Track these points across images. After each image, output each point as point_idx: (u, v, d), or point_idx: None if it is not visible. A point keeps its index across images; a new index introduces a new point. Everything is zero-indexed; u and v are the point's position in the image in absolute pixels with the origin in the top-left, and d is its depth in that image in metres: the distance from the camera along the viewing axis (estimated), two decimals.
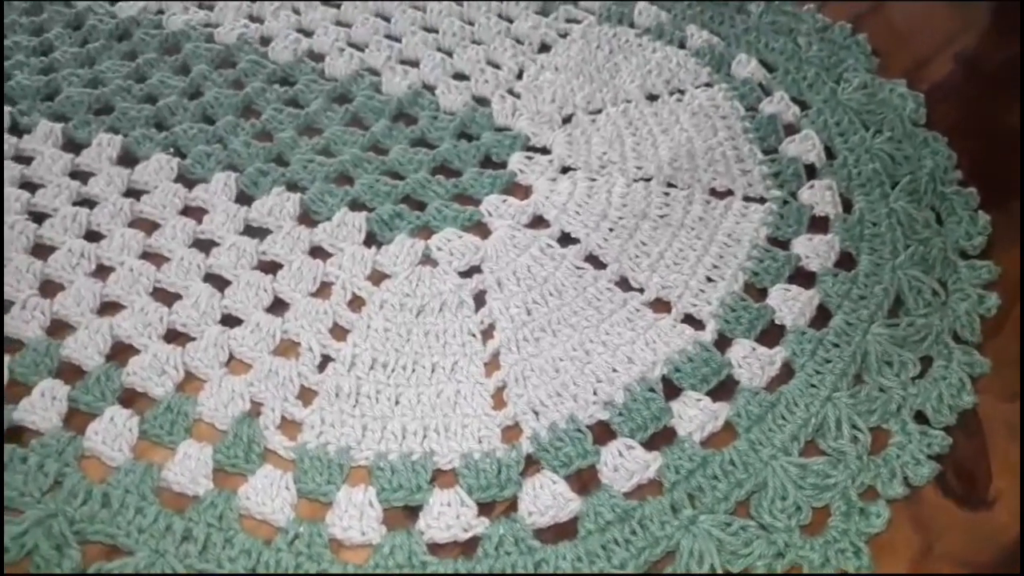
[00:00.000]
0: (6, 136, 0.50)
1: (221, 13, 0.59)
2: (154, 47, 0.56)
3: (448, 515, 0.34)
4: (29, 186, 0.48)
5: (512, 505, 0.35)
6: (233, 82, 0.54)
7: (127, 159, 0.49)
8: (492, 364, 0.40)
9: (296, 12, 0.59)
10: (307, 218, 0.46)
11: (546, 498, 0.35)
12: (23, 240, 0.44)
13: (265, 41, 0.57)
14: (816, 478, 0.35)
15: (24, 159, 0.49)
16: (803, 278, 0.44)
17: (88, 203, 0.47)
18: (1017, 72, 0.57)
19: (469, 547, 0.34)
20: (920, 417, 0.38)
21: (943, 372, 0.39)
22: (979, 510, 0.37)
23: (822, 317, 0.42)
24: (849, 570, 0.33)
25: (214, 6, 0.59)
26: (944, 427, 0.38)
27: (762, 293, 0.43)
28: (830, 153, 0.50)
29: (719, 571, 0.33)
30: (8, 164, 0.48)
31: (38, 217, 0.46)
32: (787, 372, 0.40)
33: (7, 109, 0.51)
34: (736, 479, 0.36)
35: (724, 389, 0.39)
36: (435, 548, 0.34)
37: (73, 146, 0.50)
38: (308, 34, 0.57)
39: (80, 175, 0.48)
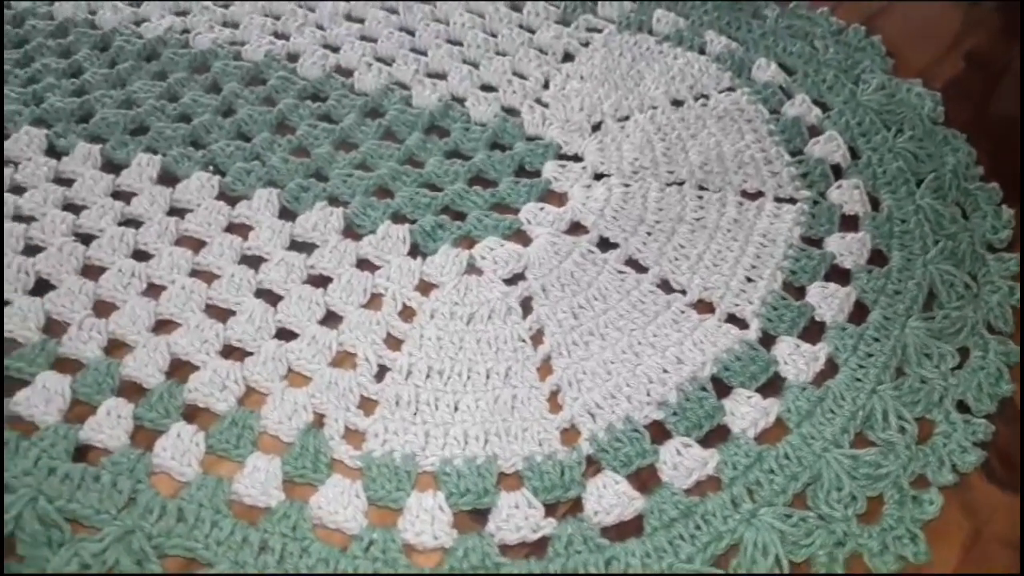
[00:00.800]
0: (45, 159, 0.50)
1: (246, 31, 0.60)
2: (183, 66, 0.57)
3: (517, 517, 0.35)
4: (72, 207, 0.48)
5: (576, 505, 0.37)
6: (265, 99, 0.55)
7: (167, 178, 0.50)
8: (544, 368, 0.41)
9: (320, 27, 0.60)
10: (351, 231, 0.47)
11: (610, 497, 0.36)
12: (73, 261, 0.45)
13: (292, 57, 0.58)
14: (869, 468, 0.37)
15: (65, 181, 0.50)
16: (838, 275, 0.45)
17: (133, 223, 0.48)
18: None
19: (538, 547, 0.35)
20: (962, 406, 0.40)
21: (981, 362, 0.41)
22: (1022, 494, 0.38)
23: (860, 312, 0.44)
24: (907, 556, 0.35)
25: (239, 23, 0.60)
26: (985, 415, 0.39)
27: (800, 291, 0.44)
28: (854, 153, 0.51)
29: (783, 561, 0.34)
30: (50, 186, 0.49)
31: (84, 238, 0.47)
32: (831, 367, 0.41)
33: (43, 132, 0.52)
34: (792, 472, 0.37)
35: (772, 386, 0.40)
36: (505, 549, 0.35)
37: (112, 167, 0.51)
38: (335, 50, 0.58)
39: (122, 195, 0.49)
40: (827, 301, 0.43)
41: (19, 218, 0.47)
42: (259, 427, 0.39)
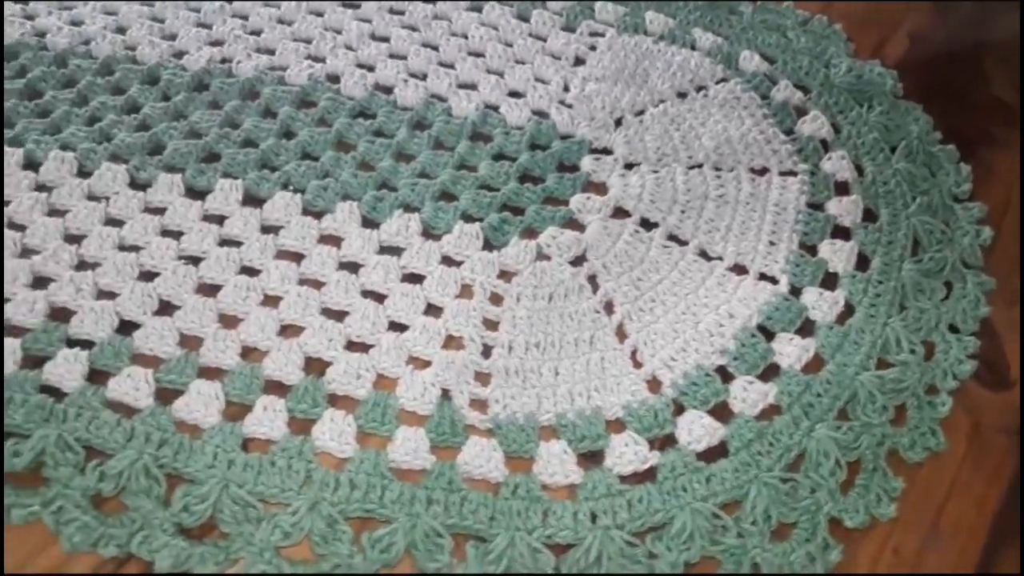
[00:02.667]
0: (132, 192, 0.55)
1: (283, 56, 0.65)
2: (233, 94, 0.62)
3: (628, 453, 0.44)
4: (169, 233, 0.53)
5: (670, 439, 0.45)
6: (319, 120, 0.60)
7: (251, 200, 0.55)
8: (619, 334, 0.49)
9: (350, 48, 0.66)
10: (429, 233, 0.54)
11: (698, 429, 0.45)
12: (189, 282, 0.50)
13: (332, 78, 0.64)
14: (893, 384, 0.46)
15: (157, 210, 0.55)
16: (841, 233, 0.55)
17: (230, 243, 0.53)
18: (960, 42, 0.70)
19: (648, 475, 0.44)
20: (952, 328, 0.50)
21: (962, 292, 0.51)
22: (1005, 391, 0.48)
23: (862, 262, 0.53)
24: (931, 447, 0.45)
25: (274, 50, 0.65)
26: (971, 333, 0.50)
27: (812, 249, 0.54)
28: (835, 128, 0.61)
29: (842, 462, 0.43)
30: (145, 216, 0.54)
31: (193, 260, 0.52)
32: (848, 308, 0.51)
33: (123, 167, 0.57)
34: (835, 393, 0.46)
35: (805, 328, 0.50)
36: (623, 479, 0.43)
37: (194, 193, 0.56)
38: (370, 68, 0.64)
39: (211, 218, 0.54)
40: (836, 255, 0.53)
41: (125, 247, 0.52)
42: (397, 405, 0.46)
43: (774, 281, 0.52)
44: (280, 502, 0.42)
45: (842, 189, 0.57)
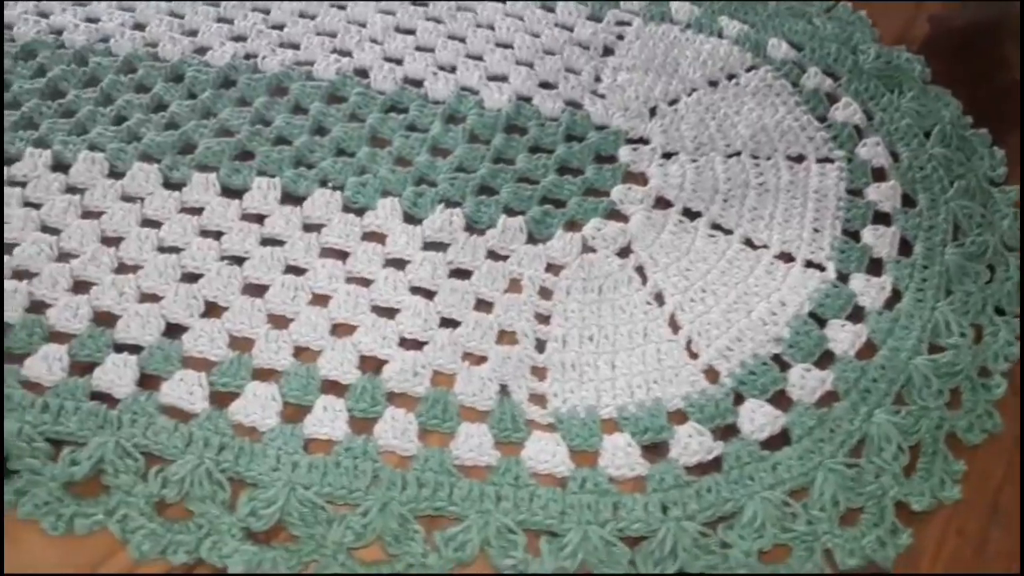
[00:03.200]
0: (169, 192, 0.54)
1: (309, 51, 0.64)
2: (261, 90, 0.61)
3: (692, 444, 0.44)
4: (207, 233, 0.53)
5: (732, 429, 0.45)
6: (351, 115, 0.60)
7: (289, 198, 0.55)
8: (672, 324, 0.49)
9: (375, 41, 0.65)
10: (472, 228, 0.54)
11: (760, 418, 0.45)
12: (234, 283, 0.50)
13: (360, 73, 0.63)
14: (947, 368, 0.47)
15: (193, 210, 0.54)
16: (881, 219, 0.55)
17: (272, 242, 0.52)
18: (979, 27, 0.70)
19: (713, 466, 0.44)
20: (998, 311, 0.50)
21: (1005, 274, 0.52)
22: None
23: (905, 247, 0.54)
24: (989, 428, 0.45)
25: (299, 44, 0.64)
26: (1016, 315, 0.50)
27: (855, 235, 0.54)
28: (868, 115, 0.61)
29: (904, 447, 0.43)
30: (183, 217, 0.53)
31: (236, 260, 0.51)
32: (895, 294, 0.51)
33: (155, 167, 0.56)
34: (890, 378, 0.46)
35: (855, 314, 0.50)
36: (689, 470, 0.43)
37: (230, 192, 0.55)
38: (398, 62, 0.64)
39: (251, 217, 0.54)
40: (880, 241, 0.53)
41: (164, 249, 0.51)
42: (456, 402, 0.45)
43: (821, 268, 0.52)
44: (348, 503, 0.42)
45: (879, 175, 0.58)
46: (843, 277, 0.52)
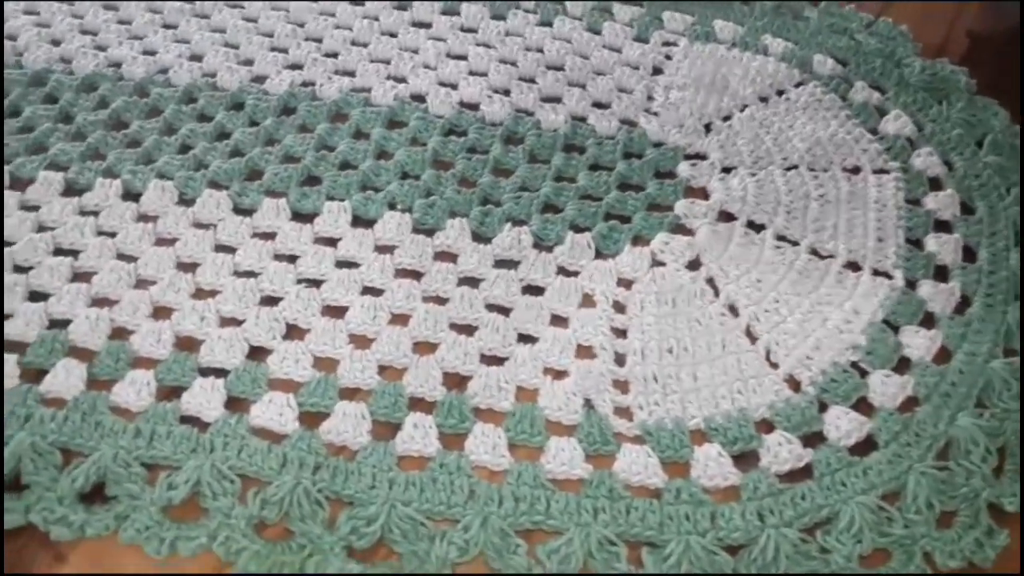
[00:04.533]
0: (240, 218, 0.55)
1: (365, 78, 0.65)
2: (322, 118, 0.62)
3: (782, 452, 0.44)
4: (284, 258, 0.53)
5: (817, 437, 0.45)
6: (412, 139, 0.60)
7: (360, 221, 0.55)
8: (749, 335, 0.50)
9: (429, 67, 0.66)
10: (540, 245, 0.54)
11: (846, 425, 0.45)
12: (314, 305, 0.50)
13: (417, 98, 0.64)
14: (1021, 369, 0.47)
15: (266, 235, 0.54)
16: (941, 227, 0.56)
17: (347, 264, 0.53)
18: (1015, 39, 0.72)
19: (803, 473, 0.44)
20: None
21: None
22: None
23: (967, 254, 0.54)
24: None
25: (354, 72, 0.65)
26: None
27: (918, 244, 0.55)
28: (917, 126, 0.62)
29: (992, 448, 0.44)
30: (255, 242, 0.54)
31: (313, 283, 0.52)
32: (964, 300, 0.52)
33: (224, 193, 0.56)
34: (969, 382, 0.47)
35: (927, 321, 0.51)
36: (781, 478, 0.44)
37: (301, 217, 0.56)
38: (453, 86, 0.65)
39: (324, 240, 0.54)
40: (944, 248, 0.54)
41: (240, 273, 0.52)
42: (542, 416, 0.46)
43: (888, 276, 0.53)
44: (447, 518, 0.42)
45: (934, 185, 0.59)
46: (911, 284, 0.52)
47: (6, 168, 0.57)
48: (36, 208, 0.55)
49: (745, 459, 0.45)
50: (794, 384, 0.48)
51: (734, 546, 0.41)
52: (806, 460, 0.44)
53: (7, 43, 0.66)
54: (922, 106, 0.63)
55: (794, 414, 0.46)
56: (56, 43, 0.67)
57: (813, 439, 0.45)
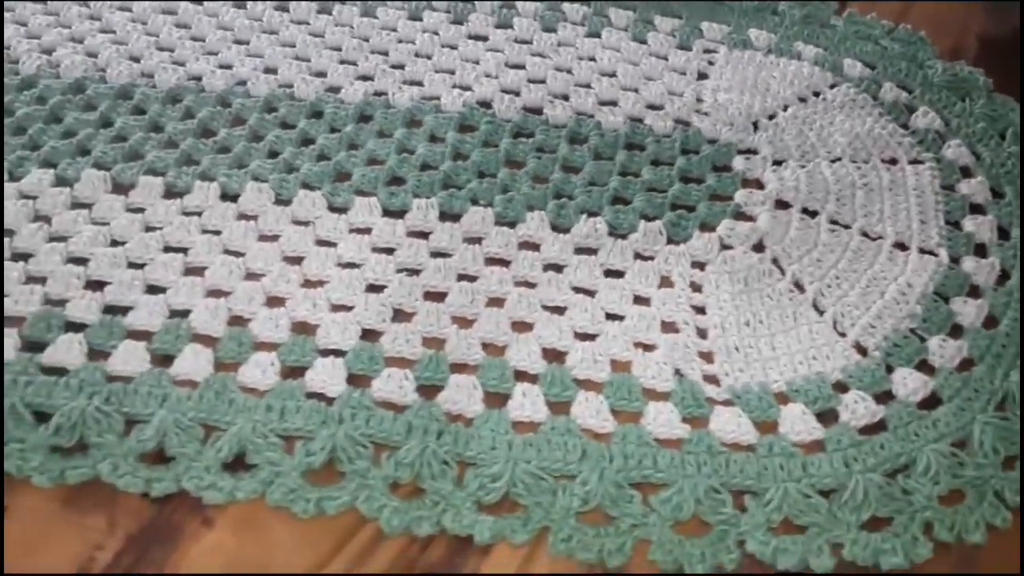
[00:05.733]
0: (337, 216, 0.59)
1: (433, 87, 0.69)
2: (398, 124, 0.66)
3: (858, 409, 0.49)
4: (381, 250, 0.57)
5: (887, 395, 0.50)
6: (484, 142, 0.65)
7: (447, 215, 0.60)
8: (816, 308, 0.55)
9: (491, 76, 0.71)
10: (615, 233, 0.59)
11: (912, 384, 0.50)
12: (416, 291, 0.54)
13: (483, 104, 0.68)
14: None
15: (362, 230, 0.58)
16: (976, 209, 0.61)
17: (440, 254, 0.57)
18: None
19: (878, 427, 0.49)
20: None
21: None
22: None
23: (1002, 233, 0.60)
24: None
25: (422, 81, 0.70)
26: None
27: (956, 225, 0.60)
28: (944, 122, 0.68)
29: None
30: (352, 236, 0.58)
31: (413, 271, 0.56)
32: (1003, 274, 0.57)
33: (317, 193, 0.60)
34: (1016, 343, 0.52)
35: (972, 292, 0.56)
36: (861, 432, 0.48)
37: (392, 213, 0.60)
38: (516, 93, 0.69)
39: (416, 234, 0.58)
40: (980, 228, 0.59)
41: (344, 264, 0.56)
42: (638, 384, 0.50)
43: (934, 254, 0.58)
44: (564, 474, 0.46)
45: (965, 173, 0.64)
46: (955, 260, 0.58)
47: (107, 174, 0.61)
48: (141, 210, 0.59)
49: (825, 417, 0.49)
50: (861, 350, 0.52)
51: (825, 491, 0.46)
52: (880, 415, 0.49)
53: (89, 59, 0.71)
54: (946, 104, 0.69)
55: (865, 375, 0.51)
56: (136, 59, 0.71)
57: (883, 397, 0.50)
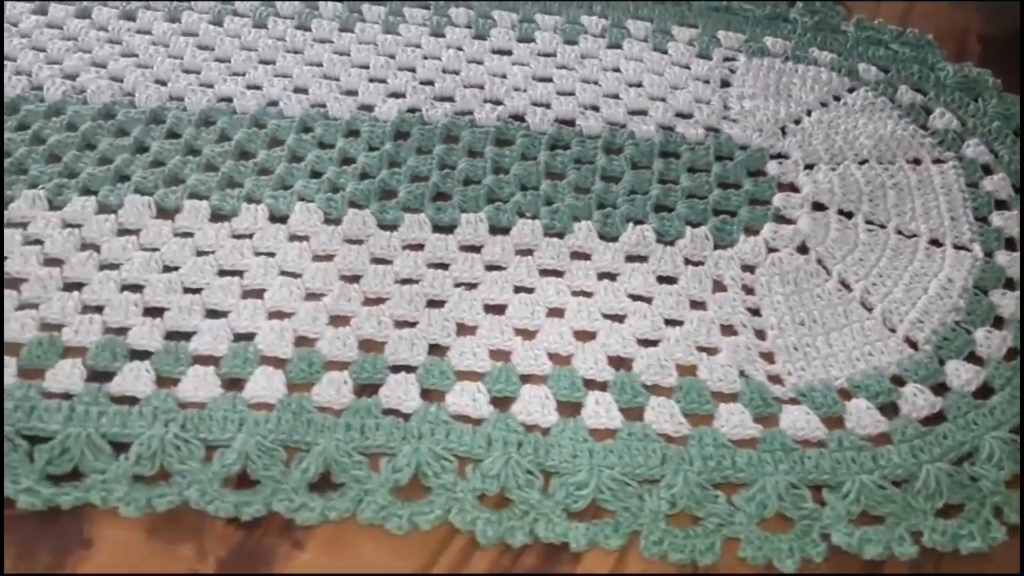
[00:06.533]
0: (389, 234, 0.59)
1: (465, 102, 0.70)
2: (436, 140, 0.66)
3: (918, 401, 0.51)
4: (436, 266, 0.58)
5: (942, 387, 0.52)
6: (521, 155, 0.66)
7: (496, 229, 0.60)
8: (865, 305, 0.57)
9: (520, 89, 0.72)
10: (663, 239, 0.60)
11: (965, 374, 0.52)
12: (476, 305, 0.55)
13: (516, 117, 0.69)
14: None
15: (415, 246, 0.59)
16: (1000, 205, 0.64)
17: (493, 267, 0.58)
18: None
19: (937, 418, 0.51)
20: None
21: None
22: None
23: None
24: None
25: (454, 96, 0.71)
26: None
27: (985, 220, 0.63)
28: (961, 122, 0.71)
29: None
30: (405, 253, 0.58)
31: (469, 285, 0.56)
32: None
33: (366, 212, 0.61)
34: None
35: (1008, 285, 0.58)
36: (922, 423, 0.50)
37: (442, 228, 0.60)
38: (547, 105, 0.70)
39: (468, 248, 0.59)
40: (1008, 222, 0.62)
41: (402, 281, 0.56)
42: (706, 387, 0.51)
43: (967, 249, 0.60)
44: (647, 479, 0.47)
45: (985, 170, 0.67)
46: (988, 255, 0.60)
47: (150, 199, 0.61)
48: (190, 235, 0.59)
49: (885, 410, 0.51)
50: (912, 344, 0.55)
51: (897, 481, 0.48)
52: (938, 406, 0.51)
53: (115, 84, 0.70)
54: (960, 104, 0.72)
55: (919, 368, 0.53)
56: (162, 83, 0.71)
57: (938, 389, 0.52)
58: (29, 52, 0.72)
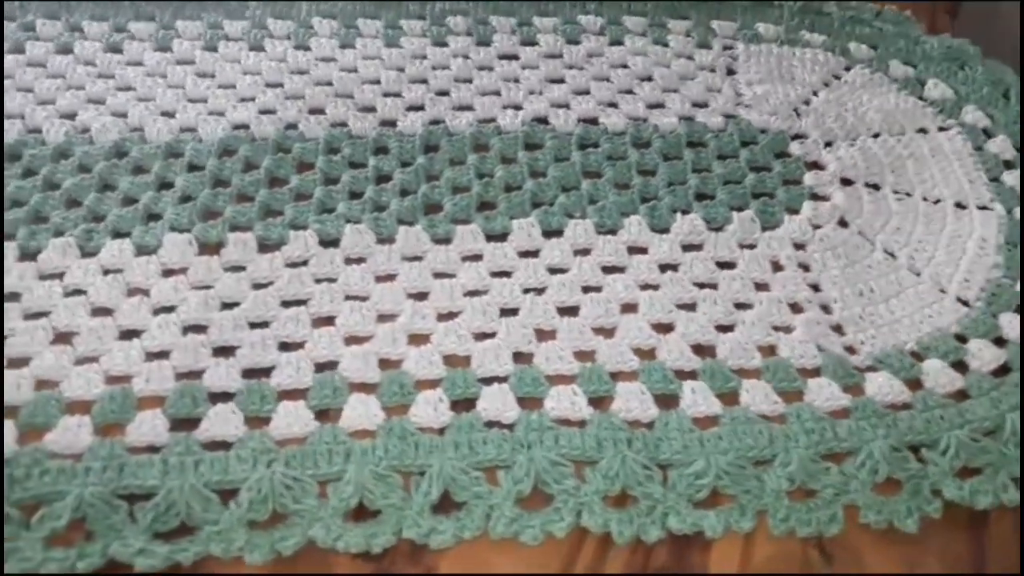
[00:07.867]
0: (445, 248, 0.59)
1: (486, 109, 0.70)
2: (466, 149, 0.66)
3: (984, 354, 0.54)
4: (499, 274, 0.58)
5: (999, 340, 0.55)
6: (555, 157, 0.66)
7: (549, 232, 0.60)
8: (911, 271, 0.59)
9: (534, 92, 0.72)
10: (712, 227, 0.61)
11: (990, 352, 0.54)
12: (551, 310, 0.55)
13: (539, 120, 0.69)
14: None
15: (472, 257, 0.58)
16: (1007, 165, 0.68)
17: (534, 291, 0.57)
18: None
19: (961, 393, 0.53)
20: None
21: None
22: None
23: None
24: None
25: (473, 105, 0.70)
26: None
27: (996, 180, 0.67)
28: (953, 90, 0.75)
29: None
30: (468, 265, 0.58)
31: (538, 291, 0.56)
32: None
33: (417, 228, 0.60)
34: None
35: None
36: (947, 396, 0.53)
37: (491, 237, 0.60)
38: (566, 106, 0.71)
39: (525, 254, 0.59)
40: (1014, 179, 0.66)
41: (444, 316, 0.55)
42: (789, 365, 0.53)
43: (989, 209, 0.64)
44: (760, 459, 0.48)
45: (986, 134, 0.71)
46: (1009, 212, 0.64)
47: (190, 236, 0.58)
48: (242, 268, 0.57)
49: (956, 367, 0.54)
50: (963, 303, 0.57)
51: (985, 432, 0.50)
52: (1003, 359, 0.54)
53: (119, 119, 0.67)
54: (948, 74, 0.76)
55: (978, 325, 0.56)
56: (169, 115, 0.68)
57: (998, 342, 0.55)
58: (17, 94, 0.68)
